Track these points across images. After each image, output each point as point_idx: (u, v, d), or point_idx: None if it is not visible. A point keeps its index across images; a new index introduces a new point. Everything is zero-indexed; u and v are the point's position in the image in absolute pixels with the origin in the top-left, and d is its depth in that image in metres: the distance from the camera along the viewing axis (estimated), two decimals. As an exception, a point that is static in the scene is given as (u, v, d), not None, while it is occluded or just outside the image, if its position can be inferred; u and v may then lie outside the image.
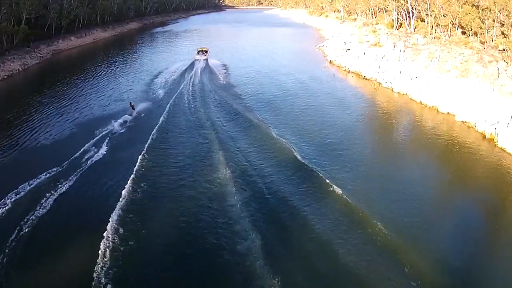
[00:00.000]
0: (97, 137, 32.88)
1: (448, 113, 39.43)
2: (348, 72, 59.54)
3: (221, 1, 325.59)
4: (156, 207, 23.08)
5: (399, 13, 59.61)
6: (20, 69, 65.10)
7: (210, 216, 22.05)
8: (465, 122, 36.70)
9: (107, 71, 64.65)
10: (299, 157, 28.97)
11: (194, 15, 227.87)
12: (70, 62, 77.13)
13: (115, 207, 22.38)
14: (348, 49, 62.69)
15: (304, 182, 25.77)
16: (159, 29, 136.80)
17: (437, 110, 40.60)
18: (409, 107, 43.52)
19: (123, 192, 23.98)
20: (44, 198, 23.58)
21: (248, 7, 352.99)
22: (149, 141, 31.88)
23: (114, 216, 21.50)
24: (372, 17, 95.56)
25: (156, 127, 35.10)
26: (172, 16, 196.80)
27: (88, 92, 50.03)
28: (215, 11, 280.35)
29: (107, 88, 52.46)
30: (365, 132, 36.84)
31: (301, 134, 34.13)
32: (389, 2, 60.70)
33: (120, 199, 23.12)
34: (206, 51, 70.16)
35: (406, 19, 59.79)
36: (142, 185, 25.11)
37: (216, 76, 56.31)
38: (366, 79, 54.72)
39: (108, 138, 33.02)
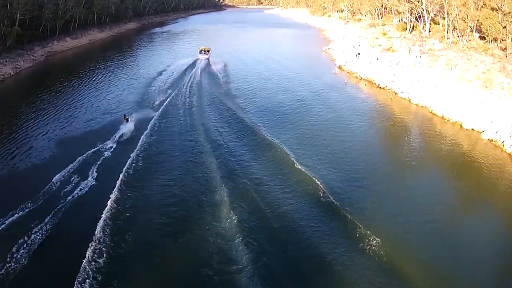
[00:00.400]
0: (77, 163, 28.41)
1: (472, 129, 35.99)
2: (360, 79, 55.61)
3: (221, 1, 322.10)
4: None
5: (412, 15, 56.06)
6: (12, 73, 62.04)
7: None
8: (492, 140, 33.29)
9: (102, 75, 61.40)
10: (321, 191, 25.01)
11: (193, 14, 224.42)
12: (64, 65, 73.82)
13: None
14: (359, 54, 59.10)
15: (335, 229, 21.87)
16: (157, 29, 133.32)
17: (461, 125, 37.09)
18: (430, 122, 39.54)
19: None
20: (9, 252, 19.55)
21: (248, 6, 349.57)
22: (134, 173, 27.16)
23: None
24: (378, 17, 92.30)
25: (145, 150, 30.89)
26: (171, 15, 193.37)
27: (80, 101, 46.81)
28: (215, 10, 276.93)
29: (100, 95, 49.27)
30: (385, 153, 33.59)
31: (318, 156, 30.37)
32: (402, 3, 57.12)
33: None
34: (208, 51, 70.39)
35: (420, 21, 56.00)
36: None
37: (218, 82, 53.32)
38: (380, 87, 50.83)
39: (91, 165, 28.41)
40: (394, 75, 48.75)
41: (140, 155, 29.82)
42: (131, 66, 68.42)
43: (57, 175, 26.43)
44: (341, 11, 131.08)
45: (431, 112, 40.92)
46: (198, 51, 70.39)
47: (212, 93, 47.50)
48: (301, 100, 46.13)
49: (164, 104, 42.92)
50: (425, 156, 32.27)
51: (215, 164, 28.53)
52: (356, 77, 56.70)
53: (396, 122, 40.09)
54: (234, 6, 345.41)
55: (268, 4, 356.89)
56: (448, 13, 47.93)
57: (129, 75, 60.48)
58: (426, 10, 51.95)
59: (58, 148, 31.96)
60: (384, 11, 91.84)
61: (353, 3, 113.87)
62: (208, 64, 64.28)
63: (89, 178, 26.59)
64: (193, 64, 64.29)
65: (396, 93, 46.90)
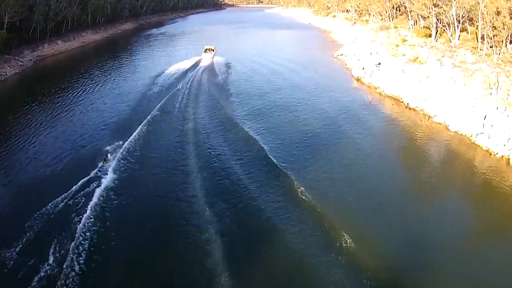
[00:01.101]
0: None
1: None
2: (385, 96, 47.58)
3: (220, 0, 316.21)
4: None
5: (439, 21, 49.74)
6: (-4, 82, 56.97)
7: None
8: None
9: (89, 86, 55.66)
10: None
11: (192, 14, 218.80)
12: (53, 71, 68.52)
13: None
14: (379, 64, 52.49)
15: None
16: (153, 30, 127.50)
17: (512, 161, 30.33)
18: (473, 155, 32.64)
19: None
20: None
21: (248, 5, 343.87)
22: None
23: None
24: (389, 19, 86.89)
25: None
26: (170, 15, 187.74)
27: (59, 121, 40.89)
28: (214, 9, 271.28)
29: (84, 114, 43.08)
30: (425, 205, 26.38)
31: (345, 207, 24.90)
32: (428, 7, 50.90)
33: None
34: (213, 50, 71.89)
35: (447, 28, 49.10)
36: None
37: (219, 99, 46.42)
38: (409, 108, 42.85)
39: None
40: (425, 92, 41.53)
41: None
42: (123, 73, 63.21)
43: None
44: (347, 11, 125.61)
45: (473, 143, 34.09)
46: (203, 51, 71.25)
47: (212, 115, 41.25)
48: (322, 125, 38.10)
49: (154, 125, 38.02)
50: (475, 211, 25.88)
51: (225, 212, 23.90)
52: (380, 94, 48.39)
53: (435, 157, 33.08)
54: (233, 5, 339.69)
55: (268, 3, 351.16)
56: (479, 20, 41.88)
57: (120, 85, 55.25)
58: (456, 16, 45.77)
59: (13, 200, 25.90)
60: (395, 13, 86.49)
61: (360, 3, 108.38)
62: (209, 71, 61.22)
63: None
64: (191, 70, 61.26)
65: (429, 116, 39.11)
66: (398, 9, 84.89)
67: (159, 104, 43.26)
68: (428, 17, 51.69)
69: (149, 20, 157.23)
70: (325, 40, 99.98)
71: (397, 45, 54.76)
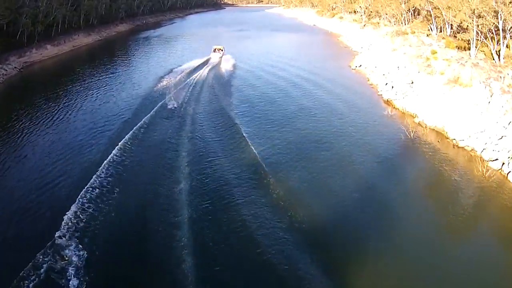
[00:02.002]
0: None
1: None
2: (426, 128, 36.81)
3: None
4: None
5: (481, 34, 41.80)
6: (-26, 95, 50.75)
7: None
8: None
9: (77, 98, 49.27)
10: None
11: (191, 14, 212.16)
12: (39, 81, 61.75)
13: None
14: (412, 83, 44.46)
15: None
16: (150, 32, 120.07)
17: None
18: None
19: None
20: None
21: (248, 5, 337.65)
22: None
23: None
24: (404, 23, 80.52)
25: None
26: (168, 15, 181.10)
27: (42, 139, 35.31)
28: (214, 9, 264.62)
29: (68, 131, 37.29)
30: None
31: None
32: (470, 18, 42.68)
33: None
34: (222, 50, 73.37)
35: (491, 42, 41.37)
36: None
37: (220, 127, 37.84)
38: (458, 146, 33.18)
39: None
40: (475, 126, 32.33)
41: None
42: (114, 83, 56.31)
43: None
44: (354, 12, 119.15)
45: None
46: (212, 50, 72.89)
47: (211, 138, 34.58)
48: (352, 176, 28.26)
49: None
50: None
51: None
52: (420, 125, 37.83)
53: (497, 224, 24.33)
54: (233, 4, 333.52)
55: (268, 3, 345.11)
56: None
57: (108, 103, 47.46)
58: (503, 28, 38.37)
59: None
60: (411, 16, 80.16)
61: (370, 5, 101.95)
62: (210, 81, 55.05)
63: None
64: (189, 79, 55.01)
65: (483, 160, 29.91)
66: (414, 12, 78.55)
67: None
68: (467, 28, 44.67)
69: (146, 21, 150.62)
70: (336, 45, 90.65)
71: (428, 58, 47.26)
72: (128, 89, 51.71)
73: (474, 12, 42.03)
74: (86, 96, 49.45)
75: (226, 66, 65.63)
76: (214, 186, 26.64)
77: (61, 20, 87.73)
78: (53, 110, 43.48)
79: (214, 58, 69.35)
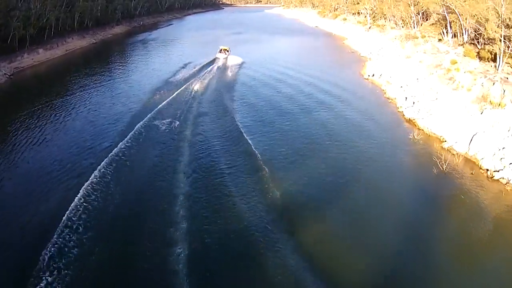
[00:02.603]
0: None
1: None
2: (456, 155, 31.32)
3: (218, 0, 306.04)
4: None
5: (504, 45, 37.84)
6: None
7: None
8: None
9: (66, 109, 45.49)
10: None
11: (190, 14, 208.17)
12: (29, 88, 57.78)
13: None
14: (436, 99, 39.11)
15: None
16: (146, 35, 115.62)
17: None
18: None
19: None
20: None
21: (247, 5, 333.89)
22: None
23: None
24: (413, 25, 76.85)
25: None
26: (166, 16, 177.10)
27: (31, 155, 32.19)
28: (212, 9, 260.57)
29: (57, 147, 33.87)
30: None
31: None
32: (497, 29, 38.74)
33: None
34: (228, 50, 74.54)
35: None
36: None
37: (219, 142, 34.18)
38: (492, 178, 28.16)
39: None
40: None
41: None
42: (103, 93, 52.43)
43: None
44: (358, 13, 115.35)
45: None
46: (218, 51, 73.99)
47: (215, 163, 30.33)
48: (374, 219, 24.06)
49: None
50: None
51: None
52: (450, 151, 32.38)
53: None
54: (232, 4, 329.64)
55: (267, 3, 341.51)
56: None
57: (97, 111, 44.39)
58: None
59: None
60: (421, 18, 76.51)
61: (375, 6, 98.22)
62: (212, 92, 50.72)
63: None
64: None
65: None
66: (425, 15, 74.92)
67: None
68: (494, 39, 40.76)
69: (143, 22, 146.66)
70: (342, 49, 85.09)
71: (449, 70, 42.98)
72: (117, 105, 46.79)
73: (503, 22, 38.18)
74: (78, 106, 46.12)
75: (229, 71, 62.22)
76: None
77: (54, 23, 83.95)
78: (43, 121, 40.50)
79: (220, 58, 71.25)
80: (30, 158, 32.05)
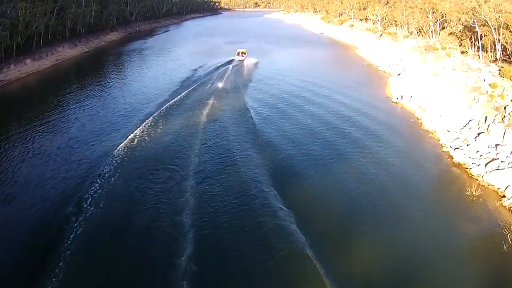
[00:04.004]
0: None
1: None
2: None
3: (216, 4, 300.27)
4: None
5: None
6: None
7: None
8: None
9: (52, 127, 40.44)
10: None
11: (187, 20, 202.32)
12: (12, 105, 51.73)
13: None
14: (497, 145, 30.50)
15: None
16: (140, 43, 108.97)
17: None
18: None
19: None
20: None
21: (245, 9, 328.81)
22: None
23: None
24: (430, 35, 71.26)
25: None
26: (163, 22, 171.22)
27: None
28: (210, 14, 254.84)
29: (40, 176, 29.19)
30: None
31: None
32: None
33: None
34: (245, 53, 76.38)
35: None
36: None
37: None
38: None
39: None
40: None
41: None
42: (90, 110, 46.44)
43: None
44: (366, 20, 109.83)
45: None
46: (236, 53, 75.97)
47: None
48: None
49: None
50: None
51: None
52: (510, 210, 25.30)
53: None
54: (230, 9, 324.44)
55: (266, 7, 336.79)
56: None
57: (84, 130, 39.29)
58: None
59: None
60: (440, 28, 70.97)
61: (386, 12, 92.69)
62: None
63: None
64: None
65: None
66: (443, 23, 69.41)
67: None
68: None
69: (139, 28, 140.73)
70: (356, 61, 76.46)
71: (492, 96, 36.58)
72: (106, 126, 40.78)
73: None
74: (66, 123, 41.71)
75: (234, 91, 52.87)
76: None
77: (44, 31, 77.99)
78: (28, 140, 36.74)
79: (236, 60, 73.49)
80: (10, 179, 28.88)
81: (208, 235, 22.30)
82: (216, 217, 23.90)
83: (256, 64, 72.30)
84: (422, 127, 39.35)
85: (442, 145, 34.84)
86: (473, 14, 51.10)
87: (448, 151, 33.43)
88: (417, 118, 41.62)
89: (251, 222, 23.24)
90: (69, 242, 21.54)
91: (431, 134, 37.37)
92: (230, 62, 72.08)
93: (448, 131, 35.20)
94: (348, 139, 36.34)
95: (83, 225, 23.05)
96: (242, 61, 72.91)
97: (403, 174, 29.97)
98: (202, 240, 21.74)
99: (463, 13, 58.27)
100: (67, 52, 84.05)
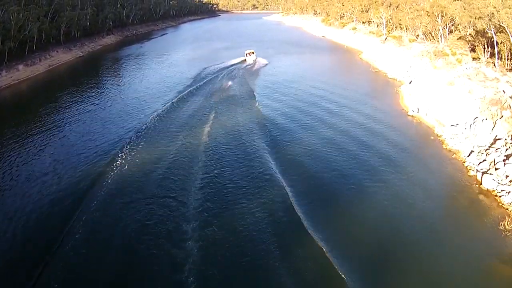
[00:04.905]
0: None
1: None
2: None
3: (214, 6, 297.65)
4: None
5: None
6: None
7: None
8: None
9: (43, 139, 37.26)
10: None
11: (185, 22, 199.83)
12: (3, 115, 48.38)
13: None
14: None
15: None
16: (136, 47, 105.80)
17: None
18: None
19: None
20: None
21: (243, 11, 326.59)
22: None
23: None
24: (439, 39, 68.63)
25: None
26: (160, 24, 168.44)
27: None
28: (208, 17, 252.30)
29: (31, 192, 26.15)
30: None
31: None
32: None
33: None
34: (253, 52, 78.69)
35: None
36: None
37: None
38: None
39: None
40: None
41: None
42: (82, 120, 43.64)
43: None
44: (368, 22, 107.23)
45: None
46: (245, 55, 78.12)
47: None
48: None
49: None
50: None
51: None
52: None
53: None
54: (228, 11, 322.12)
55: (264, 9, 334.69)
56: None
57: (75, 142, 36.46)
58: None
59: None
60: (449, 32, 68.32)
61: (391, 15, 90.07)
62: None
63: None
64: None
65: None
66: (452, 28, 66.76)
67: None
68: None
69: (136, 31, 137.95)
70: (362, 67, 71.68)
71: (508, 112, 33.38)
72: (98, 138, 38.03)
73: None
74: (60, 133, 39.53)
75: (240, 105, 47.71)
76: None
77: (37, 35, 75.04)
78: (20, 150, 35.00)
79: (249, 60, 75.97)
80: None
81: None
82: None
83: (257, 72, 68.44)
84: (444, 146, 35.07)
85: (468, 168, 30.63)
86: (490, 20, 48.32)
87: (475, 175, 29.38)
88: (437, 135, 37.44)
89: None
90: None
91: (454, 155, 33.19)
92: (228, 68, 69.35)
93: (472, 151, 31.73)
94: (362, 167, 31.23)
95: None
96: (255, 60, 75.92)
97: (427, 209, 25.57)
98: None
99: (476, 18, 55.47)
100: (61, 57, 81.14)
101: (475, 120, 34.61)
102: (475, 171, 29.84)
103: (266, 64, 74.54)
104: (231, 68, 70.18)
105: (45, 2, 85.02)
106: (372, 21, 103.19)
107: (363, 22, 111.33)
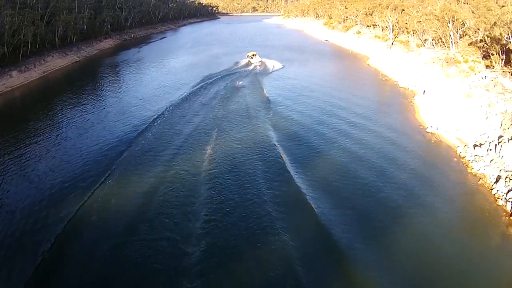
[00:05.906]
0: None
1: None
2: None
3: (214, 9, 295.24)
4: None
5: None
6: None
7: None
8: None
9: (36, 153, 34.40)
10: None
11: (184, 25, 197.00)
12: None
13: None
14: None
15: None
16: (134, 51, 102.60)
17: None
18: None
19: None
20: None
21: (243, 14, 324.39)
22: None
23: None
24: (450, 45, 65.91)
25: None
26: (159, 28, 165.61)
27: None
28: (208, 19, 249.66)
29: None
30: None
31: None
32: None
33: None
34: (255, 54, 78.85)
35: None
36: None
37: None
38: None
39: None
40: None
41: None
42: (76, 131, 40.80)
43: None
44: (373, 26, 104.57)
45: None
46: (249, 58, 78.17)
47: None
48: None
49: None
50: None
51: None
52: None
53: None
54: (227, 14, 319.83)
55: (264, 12, 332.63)
56: None
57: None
58: None
59: None
60: (459, 37, 65.60)
61: (397, 19, 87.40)
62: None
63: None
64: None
65: None
66: (462, 33, 64.05)
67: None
68: None
69: (134, 35, 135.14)
70: (371, 76, 67.51)
71: None
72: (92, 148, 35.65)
73: None
74: (53, 145, 37.51)
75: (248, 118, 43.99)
76: None
77: (31, 39, 72.20)
78: (14, 161, 33.30)
79: (254, 62, 75.93)
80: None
81: None
82: None
83: (261, 81, 63.64)
84: (469, 170, 31.27)
85: (496, 196, 27.09)
86: (508, 28, 45.66)
87: (504, 205, 26.05)
88: (460, 156, 33.62)
89: None
90: None
91: (480, 180, 29.49)
92: (228, 76, 66.19)
93: (500, 176, 28.06)
94: (380, 199, 27.03)
95: None
96: (261, 62, 76.44)
97: (452, 252, 22.03)
98: None
99: (491, 25, 52.76)
100: (56, 62, 78.23)
101: (500, 140, 31.65)
102: (504, 200, 26.54)
103: (274, 70, 71.00)
104: (234, 76, 66.62)
105: (40, 5, 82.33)
106: (377, 24, 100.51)
107: (368, 26, 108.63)
